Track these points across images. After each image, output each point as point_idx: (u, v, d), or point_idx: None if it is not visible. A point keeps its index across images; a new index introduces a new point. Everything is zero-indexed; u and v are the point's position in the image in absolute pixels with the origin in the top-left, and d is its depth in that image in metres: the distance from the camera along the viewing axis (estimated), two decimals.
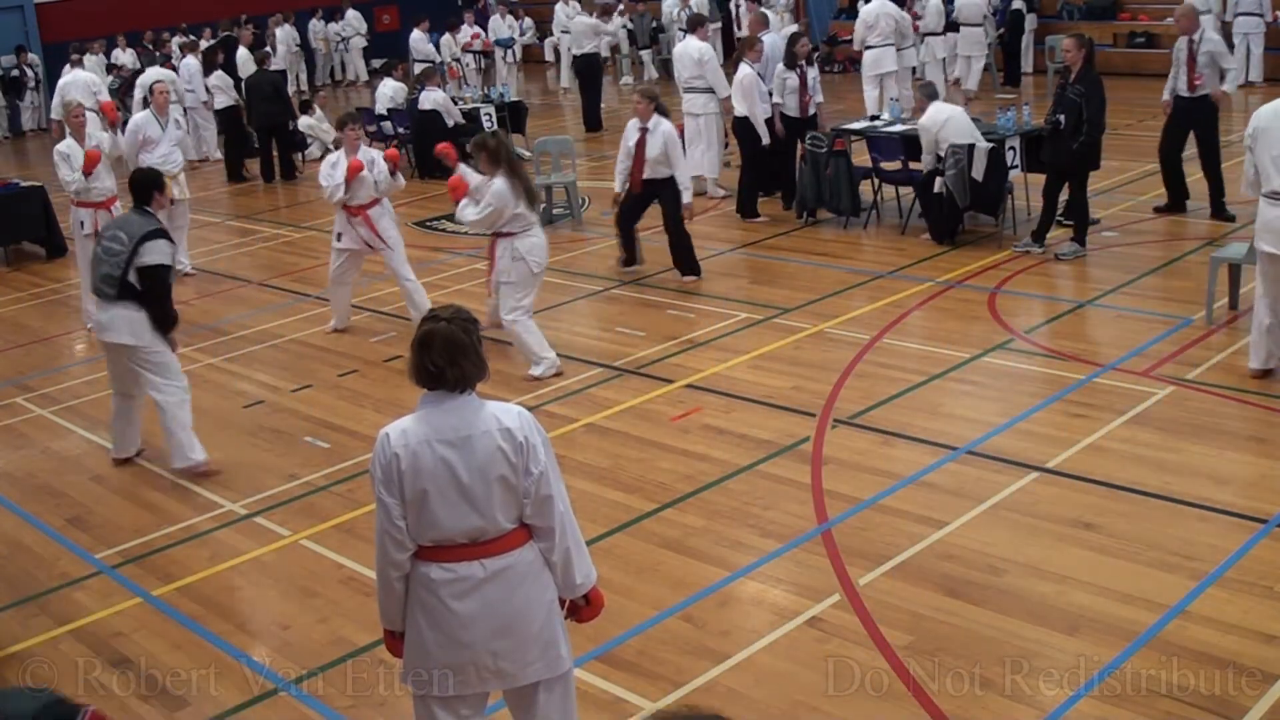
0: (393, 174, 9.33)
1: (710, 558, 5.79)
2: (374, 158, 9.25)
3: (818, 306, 9.28)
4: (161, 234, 6.86)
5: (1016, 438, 6.75)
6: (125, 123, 11.54)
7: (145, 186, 7.00)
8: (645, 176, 9.85)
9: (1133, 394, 7.19)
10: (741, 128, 12.00)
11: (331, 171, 9.17)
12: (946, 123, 10.16)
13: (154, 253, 6.78)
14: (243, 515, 6.66)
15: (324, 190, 9.26)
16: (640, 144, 9.80)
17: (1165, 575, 5.29)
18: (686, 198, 9.82)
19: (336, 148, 9.40)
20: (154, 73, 18.68)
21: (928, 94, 10.56)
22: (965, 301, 9.14)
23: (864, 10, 15.41)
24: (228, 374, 8.96)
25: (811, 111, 12.09)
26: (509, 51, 22.81)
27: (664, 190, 9.87)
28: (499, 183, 7.86)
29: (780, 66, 12.16)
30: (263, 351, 9.45)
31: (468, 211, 8.09)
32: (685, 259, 10.17)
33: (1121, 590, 5.19)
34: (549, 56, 26.02)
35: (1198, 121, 10.60)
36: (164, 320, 6.94)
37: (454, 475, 3.54)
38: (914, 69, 16.57)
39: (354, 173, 9.02)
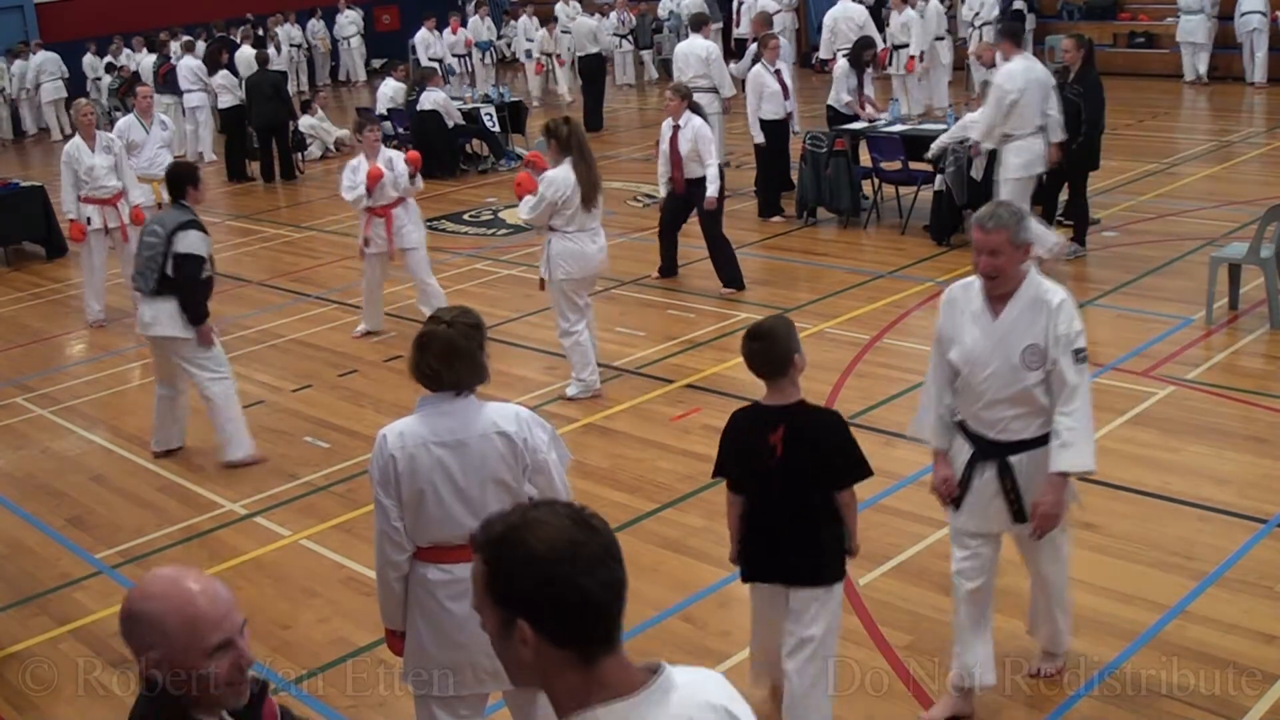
0: (412, 178, 9.15)
1: (710, 558, 5.78)
2: (391, 158, 9.17)
3: (818, 306, 9.27)
4: (195, 225, 6.88)
5: None
6: (112, 124, 11.55)
7: (178, 181, 7.00)
8: (686, 176, 9.50)
9: (1133, 394, 7.19)
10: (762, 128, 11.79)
11: (353, 177, 9.04)
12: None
13: (187, 242, 6.82)
14: (243, 515, 6.67)
15: (346, 197, 9.16)
16: (673, 141, 9.51)
17: (1165, 575, 5.29)
18: (711, 190, 9.43)
19: (338, 149, 9.39)
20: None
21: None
22: None
23: (826, 18, 14.84)
24: None
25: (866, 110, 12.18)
26: (486, 54, 22.81)
27: (702, 191, 9.48)
28: (554, 170, 7.44)
29: (845, 64, 12.30)
30: (263, 352, 9.45)
31: (523, 206, 7.66)
32: (726, 268, 9.83)
33: (1121, 590, 5.18)
34: None
35: None
36: (194, 310, 6.94)
37: (450, 477, 3.55)
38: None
39: (374, 180, 8.92)
